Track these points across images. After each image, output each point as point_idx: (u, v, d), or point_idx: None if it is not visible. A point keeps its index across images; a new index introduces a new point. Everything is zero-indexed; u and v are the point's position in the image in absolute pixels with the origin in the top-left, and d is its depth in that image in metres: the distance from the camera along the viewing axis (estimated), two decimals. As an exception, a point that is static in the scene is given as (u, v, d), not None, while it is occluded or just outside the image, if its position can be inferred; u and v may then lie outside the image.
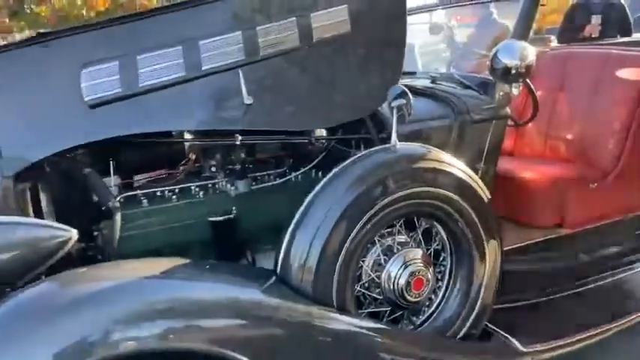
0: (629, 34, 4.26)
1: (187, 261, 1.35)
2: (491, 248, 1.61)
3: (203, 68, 1.57)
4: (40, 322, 1.11)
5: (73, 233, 1.32)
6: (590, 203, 2.12)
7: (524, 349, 1.61)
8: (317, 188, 1.43)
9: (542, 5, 2.02)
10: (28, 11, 8.09)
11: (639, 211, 2.21)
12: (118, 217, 1.54)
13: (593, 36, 4.29)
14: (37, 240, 1.29)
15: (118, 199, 1.61)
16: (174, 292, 1.22)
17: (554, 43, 4.35)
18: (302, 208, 1.41)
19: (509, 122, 1.93)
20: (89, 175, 1.62)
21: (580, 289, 2.04)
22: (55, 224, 1.33)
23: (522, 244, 1.98)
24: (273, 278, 1.35)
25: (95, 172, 1.63)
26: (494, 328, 1.68)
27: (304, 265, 1.37)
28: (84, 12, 7.75)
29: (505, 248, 1.72)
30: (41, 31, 1.59)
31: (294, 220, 1.41)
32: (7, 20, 7.87)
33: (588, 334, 1.75)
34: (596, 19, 4.35)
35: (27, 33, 8.92)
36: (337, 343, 1.31)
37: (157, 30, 1.58)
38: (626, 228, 2.19)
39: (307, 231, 1.39)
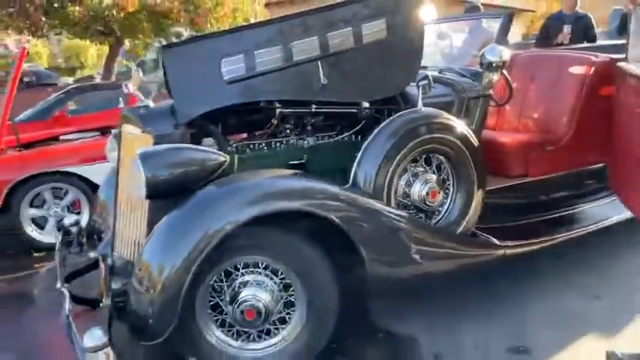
0: (594, 41, 5.16)
1: (296, 171, 2.22)
2: (479, 178, 2.49)
3: (294, 60, 2.41)
4: (224, 196, 1.98)
5: (228, 158, 2.17)
6: (547, 161, 3.01)
7: (500, 243, 2.48)
8: (373, 134, 2.30)
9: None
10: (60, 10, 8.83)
11: (582, 167, 3.12)
12: (236, 157, 2.37)
13: (564, 43, 5.16)
14: (206, 160, 2.11)
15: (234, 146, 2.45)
16: (292, 182, 2.09)
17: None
18: (364, 147, 2.28)
19: (492, 103, 2.83)
20: (213, 130, 2.45)
21: (539, 219, 2.93)
22: (216, 151, 2.18)
23: (499, 187, 2.86)
24: (349, 184, 2.23)
25: (216, 128, 2.47)
26: (479, 232, 2.56)
27: (366, 181, 2.24)
28: (114, 12, 8.54)
29: (488, 188, 2.60)
30: (195, 35, 2.43)
31: (360, 154, 2.27)
32: (43, 18, 8.62)
33: (544, 239, 2.64)
34: (567, 29, 5.21)
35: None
36: (382, 223, 2.14)
37: (264, 35, 2.38)
38: (573, 178, 3.10)
39: (368, 160, 2.26)
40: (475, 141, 2.47)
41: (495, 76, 2.62)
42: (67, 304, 1.99)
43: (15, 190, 3.68)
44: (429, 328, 2.44)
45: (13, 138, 4.13)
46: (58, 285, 2.24)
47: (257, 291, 2.00)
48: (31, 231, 3.79)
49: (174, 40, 9.84)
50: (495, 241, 2.50)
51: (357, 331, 2.42)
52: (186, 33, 10.10)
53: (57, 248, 2.64)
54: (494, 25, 2.96)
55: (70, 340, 1.95)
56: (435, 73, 2.81)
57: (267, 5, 10.96)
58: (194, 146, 2.20)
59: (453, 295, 2.65)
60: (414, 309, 2.61)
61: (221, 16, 9.56)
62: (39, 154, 3.96)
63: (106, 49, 13.36)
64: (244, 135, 2.70)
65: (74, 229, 2.82)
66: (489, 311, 2.56)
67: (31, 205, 3.82)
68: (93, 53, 20.42)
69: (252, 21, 10.12)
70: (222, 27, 9.52)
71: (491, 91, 2.74)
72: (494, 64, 2.56)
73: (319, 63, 2.42)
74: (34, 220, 3.84)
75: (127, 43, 10.89)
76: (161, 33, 9.81)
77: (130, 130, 2.36)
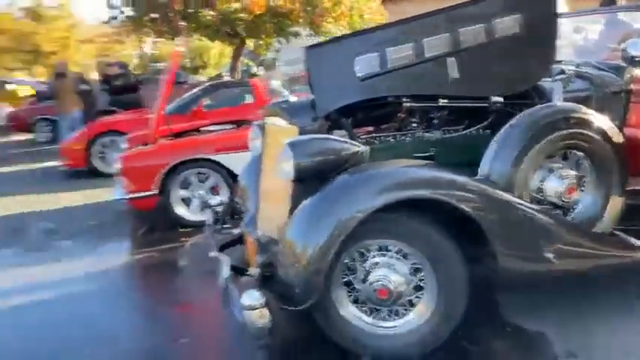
0: None
1: (427, 162, 2.33)
2: (621, 176, 2.39)
3: (425, 56, 2.52)
4: (358, 183, 2.13)
5: (364, 148, 2.33)
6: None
7: (640, 245, 2.37)
8: (505, 128, 2.30)
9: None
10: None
11: None
12: (367, 148, 2.52)
13: None
14: (344, 149, 2.28)
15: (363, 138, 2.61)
16: (424, 172, 2.20)
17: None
18: (497, 140, 2.29)
19: (633, 99, 2.68)
20: (344, 123, 2.64)
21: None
22: (355, 142, 2.35)
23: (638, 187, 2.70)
24: (479, 176, 2.28)
25: (347, 121, 2.65)
26: (618, 232, 2.45)
27: (500, 174, 2.25)
28: (242, 15, 9.25)
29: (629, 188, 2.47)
30: (335, 36, 2.65)
31: (492, 148, 2.29)
32: (185, 22, 9.62)
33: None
34: None
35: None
36: (517, 216, 2.16)
37: (396, 34, 2.53)
38: None
39: (501, 154, 2.26)
40: (619, 137, 2.38)
41: (638, 71, 2.49)
42: (226, 269, 2.29)
43: (168, 173, 4.24)
44: (561, 325, 2.40)
45: (166, 128, 4.74)
46: (213, 254, 2.58)
47: (388, 272, 2.14)
48: (180, 210, 4.33)
49: (293, 39, 10.39)
50: (635, 240, 2.39)
51: (484, 321, 2.46)
52: (304, 33, 10.59)
53: (208, 224, 3.02)
54: (636, 17, 2.80)
55: (225, 302, 2.25)
56: (572, 67, 2.74)
57: (383, 2, 11.07)
58: (334, 137, 2.40)
59: (585, 292, 2.57)
60: (545, 304, 2.58)
61: (338, 15, 9.86)
62: (188, 143, 4.53)
63: (227, 49, 14.41)
64: (370, 128, 2.87)
65: (219, 209, 3.20)
66: (626, 312, 2.46)
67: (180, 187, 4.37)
68: (215, 53, 21.95)
69: (367, 18, 10.30)
70: (340, 26, 9.83)
71: (632, 86, 2.61)
72: (637, 59, 2.44)
73: (451, 59, 2.50)
74: (183, 200, 4.39)
75: (250, 43, 11.67)
76: (281, 33, 10.39)
77: (273, 121, 2.64)
